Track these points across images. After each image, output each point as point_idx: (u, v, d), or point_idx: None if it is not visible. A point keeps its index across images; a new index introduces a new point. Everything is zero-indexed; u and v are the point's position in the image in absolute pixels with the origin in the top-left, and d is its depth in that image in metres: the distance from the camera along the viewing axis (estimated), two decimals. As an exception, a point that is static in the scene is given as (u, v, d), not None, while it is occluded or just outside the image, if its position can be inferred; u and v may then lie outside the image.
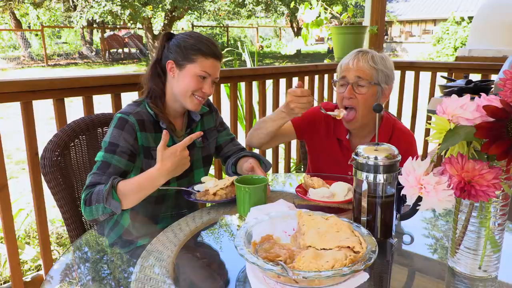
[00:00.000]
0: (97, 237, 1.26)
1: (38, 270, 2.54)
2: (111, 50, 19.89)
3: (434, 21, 23.77)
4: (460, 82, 2.77)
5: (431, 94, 3.48)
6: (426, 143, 3.71)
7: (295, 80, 3.14)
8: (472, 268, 0.90)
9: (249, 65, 4.21)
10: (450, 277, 0.95)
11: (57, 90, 1.84)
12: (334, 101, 2.13)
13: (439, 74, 3.41)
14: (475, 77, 3.18)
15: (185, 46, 1.46)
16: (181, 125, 1.60)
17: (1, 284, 2.35)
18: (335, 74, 3.21)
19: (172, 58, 1.48)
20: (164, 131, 1.27)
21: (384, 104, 1.70)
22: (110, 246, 1.21)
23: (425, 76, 3.56)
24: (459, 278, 0.92)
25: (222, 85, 2.64)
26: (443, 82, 3.02)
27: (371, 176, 1.03)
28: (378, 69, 1.57)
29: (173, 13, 17.86)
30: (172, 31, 1.60)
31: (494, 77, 3.20)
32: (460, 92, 2.59)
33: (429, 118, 3.04)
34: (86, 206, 1.29)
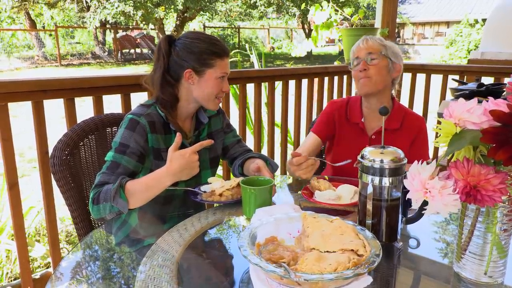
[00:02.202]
0: (104, 235, 1.27)
1: (47, 267, 2.58)
2: (124, 51, 20.06)
3: (447, 23, 23.52)
4: (472, 85, 2.73)
5: (442, 97, 3.45)
6: (436, 147, 3.68)
7: (304, 82, 3.13)
8: (478, 274, 0.89)
9: (256, 66, 4.21)
10: (455, 283, 0.94)
11: (67, 90, 1.87)
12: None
13: (450, 77, 3.37)
14: (488, 80, 3.14)
15: (200, 52, 1.46)
16: (189, 127, 1.61)
17: (10, 281, 2.38)
18: (345, 77, 3.19)
19: (188, 66, 1.47)
20: (178, 134, 1.29)
21: (398, 82, 1.84)
22: (118, 245, 1.22)
23: (437, 79, 3.53)
24: (465, 284, 0.91)
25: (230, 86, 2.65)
26: (455, 85, 2.99)
27: (376, 179, 1.02)
28: (387, 45, 1.74)
29: (185, 14, 17.97)
30: (172, 34, 1.60)
31: (506, 80, 3.15)
32: (471, 95, 2.56)
33: (439, 121, 3.00)
34: (94, 205, 1.30)
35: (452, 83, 3.13)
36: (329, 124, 1.88)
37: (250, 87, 2.83)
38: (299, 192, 1.45)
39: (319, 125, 1.89)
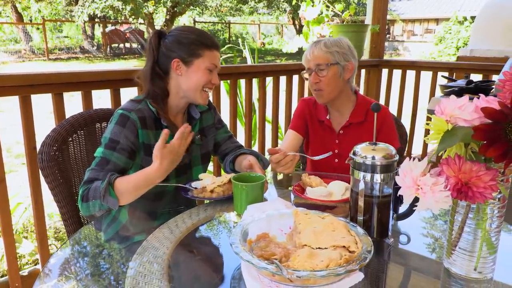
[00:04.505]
0: (94, 232, 1.26)
1: (35, 264, 2.55)
2: (113, 45, 19.83)
3: (437, 21, 23.69)
4: (461, 82, 2.75)
5: (432, 93, 3.47)
6: (425, 143, 3.71)
7: (295, 78, 3.13)
8: (468, 270, 0.90)
9: (249, 62, 4.20)
10: (445, 278, 0.94)
11: (55, 85, 1.84)
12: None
13: (440, 73, 3.40)
14: (476, 77, 3.17)
15: (189, 43, 1.46)
16: (181, 123, 1.59)
17: (-2, 278, 2.35)
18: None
19: (176, 56, 1.46)
20: (164, 130, 1.24)
21: (354, 80, 1.89)
22: (107, 242, 1.21)
23: (426, 76, 3.56)
24: (455, 279, 0.92)
25: (221, 82, 2.63)
26: (444, 82, 3.01)
27: (368, 176, 1.02)
28: (332, 51, 1.75)
29: (175, 9, 17.83)
30: (162, 29, 1.57)
31: (495, 77, 3.19)
32: (460, 92, 2.58)
33: (429, 118, 3.03)
34: (83, 202, 1.28)
35: (441, 80, 3.16)
36: (303, 120, 1.94)
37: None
38: (289, 188, 1.45)
39: (295, 122, 1.96)
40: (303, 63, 1.83)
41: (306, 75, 1.83)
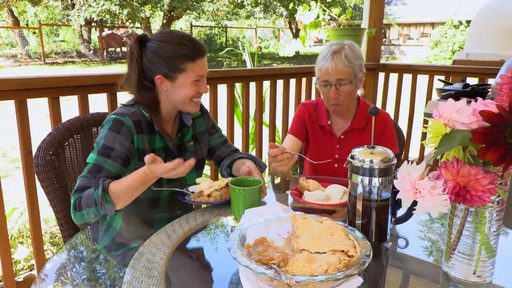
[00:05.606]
0: (90, 237, 1.25)
1: (31, 270, 2.52)
2: (109, 49, 19.80)
3: (432, 25, 23.82)
4: (457, 86, 2.77)
5: (428, 97, 3.48)
6: (422, 147, 3.71)
7: (292, 82, 3.13)
8: (467, 274, 0.90)
9: (249, 65, 4.20)
10: (444, 282, 0.94)
11: (51, 89, 1.83)
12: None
13: (436, 77, 3.41)
14: (472, 81, 3.18)
15: (169, 57, 1.38)
16: (172, 128, 1.57)
17: (-7, 284, 2.33)
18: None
19: (158, 72, 1.39)
20: (151, 155, 1.17)
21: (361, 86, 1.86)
22: (104, 247, 1.19)
23: (423, 79, 3.57)
24: (454, 283, 0.92)
25: (218, 86, 2.63)
26: (440, 85, 3.02)
27: (366, 180, 1.02)
28: (354, 65, 1.71)
29: (172, 13, 17.85)
30: (145, 35, 1.46)
31: (491, 81, 3.20)
32: (457, 95, 2.59)
33: (426, 121, 3.04)
34: (76, 211, 1.26)
35: (437, 84, 3.17)
36: (302, 125, 1.93)
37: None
38: (287, 191, 1.45)
39: (294, 126, 1.94)
40: (320, 73, 1.73)
41: (320, 85, 1.75)
